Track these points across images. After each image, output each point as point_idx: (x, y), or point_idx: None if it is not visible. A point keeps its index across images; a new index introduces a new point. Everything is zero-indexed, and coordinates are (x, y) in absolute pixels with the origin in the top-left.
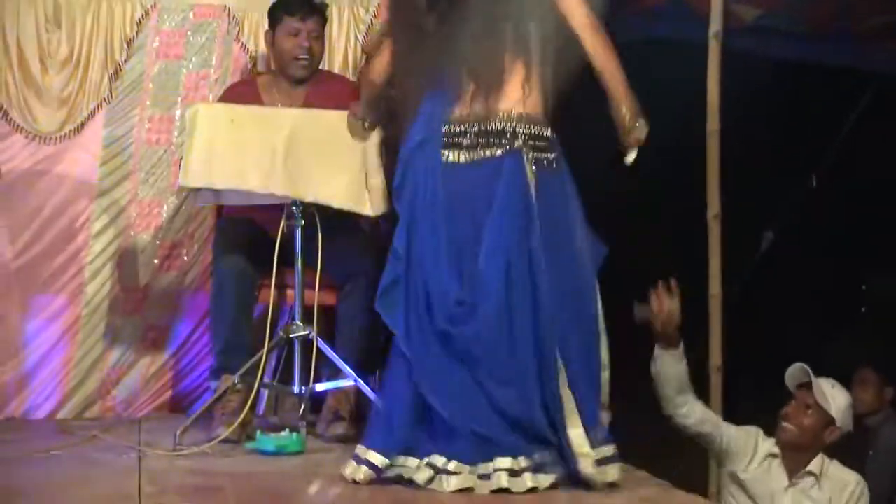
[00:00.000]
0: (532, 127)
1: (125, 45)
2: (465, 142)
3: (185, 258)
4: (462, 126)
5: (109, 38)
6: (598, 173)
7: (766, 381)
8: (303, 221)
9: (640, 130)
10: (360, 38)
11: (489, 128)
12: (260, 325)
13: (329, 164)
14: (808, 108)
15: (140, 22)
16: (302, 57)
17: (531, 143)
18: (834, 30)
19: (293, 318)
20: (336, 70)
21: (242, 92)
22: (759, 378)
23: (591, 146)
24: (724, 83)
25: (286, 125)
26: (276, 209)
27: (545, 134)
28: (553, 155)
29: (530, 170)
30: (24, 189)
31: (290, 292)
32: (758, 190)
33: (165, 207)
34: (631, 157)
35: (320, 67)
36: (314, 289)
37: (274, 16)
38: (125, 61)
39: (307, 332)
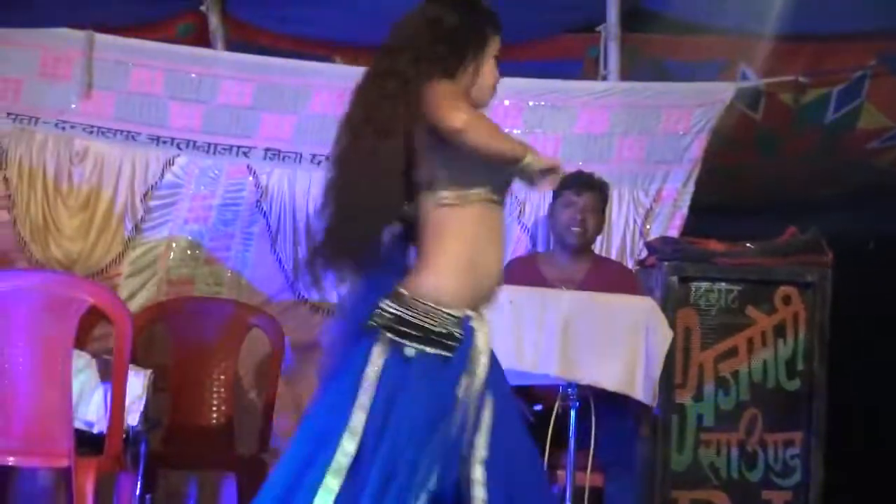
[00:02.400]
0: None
1: None
2: None
3: None
4: None
5: None
6: None
7: None
8: (577, 403)
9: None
10: (640, 221)
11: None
12: None
13: (605, 347)
14: None
15: None
16: (574, 228)
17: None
18: None
19: (564, 500)
20: (614, 252)
21: (522, 267)
22: None
23: None
24: None
25: (564, 307)
26: (552, 387)
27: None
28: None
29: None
30: (307, 358)
31: (560, 472)
32: None
33: None
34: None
35: (599, 252)
36: (585, 470)
37: (557, 189)
38: None
39: None
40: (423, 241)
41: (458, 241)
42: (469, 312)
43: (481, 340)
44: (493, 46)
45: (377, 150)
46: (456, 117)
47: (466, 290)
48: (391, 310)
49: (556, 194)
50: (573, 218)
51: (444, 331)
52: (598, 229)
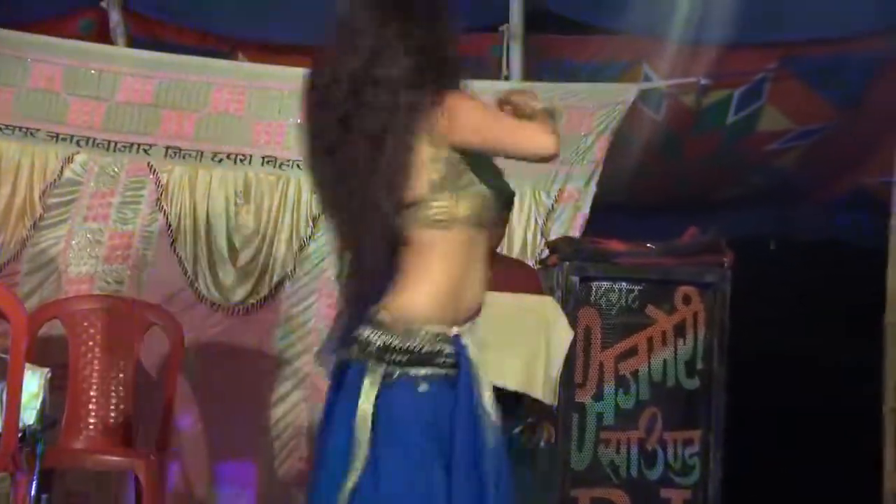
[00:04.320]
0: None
1: (311, 222)
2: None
3: None
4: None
5: (296, 214)
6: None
7: None
8: None
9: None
10: (541, 221)
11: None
12: None
13: (506, 346)
14: None
15: None
16: None
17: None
18: None
19: None
20: (515, 251)
21: None
22: None
23: None
24: None
25: None
26: None
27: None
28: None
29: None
30: (207, 357)
31: None
32: None
33: None
34: None
35: (499, 250)
36: None
37: None
38: (310, 238)
39: None
40: (406, 260)
41: (444, 261)
42: (457, 329)
43: (475, 356)
44: None
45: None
46: (551, 140)
47: (450, 310)
48: (376, 338)
49: None
50: None
51: (433, 349)
52: (500, 237)
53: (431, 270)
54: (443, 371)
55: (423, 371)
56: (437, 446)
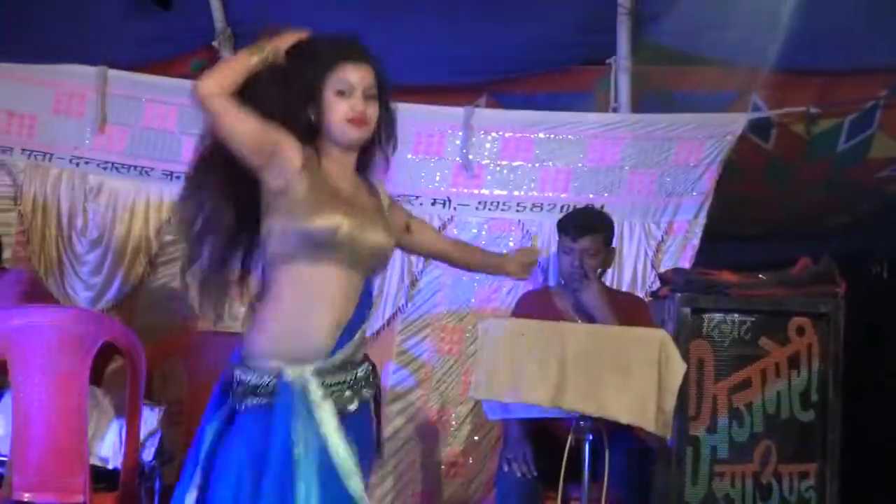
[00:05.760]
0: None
1: (421, 257)
2: None
3: (471, 464)
4: None
5: None
6: None
7: None
8: (591, 436)
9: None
10: (651, 253)
11: None
12: None
13: (618, 379)
14: None
15: None
16: (575, 276)
17: None
18: None
19: None
20: (625, 284)
21: (536, 301)
22: None
23: None
24: None
25: (576, 339)
26: (566, 420)
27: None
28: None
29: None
30: None
31: None
32: None
33: (454, 415)
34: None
35: (610, 284)
36: (599, 503)
37: (558, 232)
38: (421, 272)
39: None
40: (258, 296)
41: (277, 300)
42: (286, 366)
43: (315, 394)
44: (335, 79)
45: None
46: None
47: (284, 347)
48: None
49: (559, 236)
50: (572, 264)
51: (260, 382)
52: (602, 268)
53: (268, 308)
54: (264, 399)
55: (252, 401)
56: (251, 457)
